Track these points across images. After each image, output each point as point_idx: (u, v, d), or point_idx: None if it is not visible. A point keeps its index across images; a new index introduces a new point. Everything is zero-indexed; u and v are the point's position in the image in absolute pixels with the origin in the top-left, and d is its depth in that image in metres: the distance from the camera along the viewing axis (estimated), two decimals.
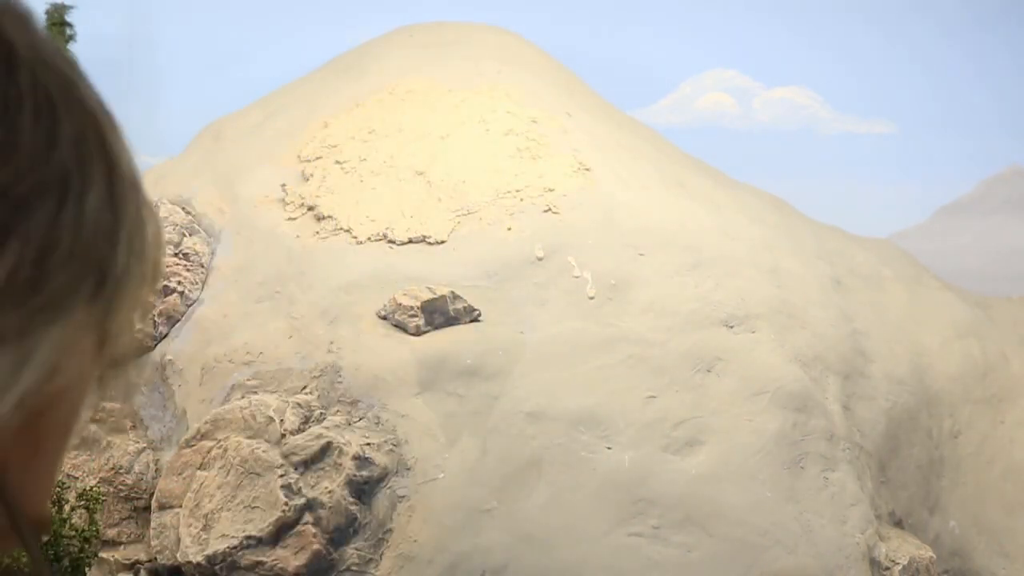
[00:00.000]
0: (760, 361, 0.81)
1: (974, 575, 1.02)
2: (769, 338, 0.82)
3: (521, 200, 1.03)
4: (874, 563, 0.82)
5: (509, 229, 0.99)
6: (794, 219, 1.06)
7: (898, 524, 0.93)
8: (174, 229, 0.85)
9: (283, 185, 1.20)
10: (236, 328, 0.86)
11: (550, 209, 0.95)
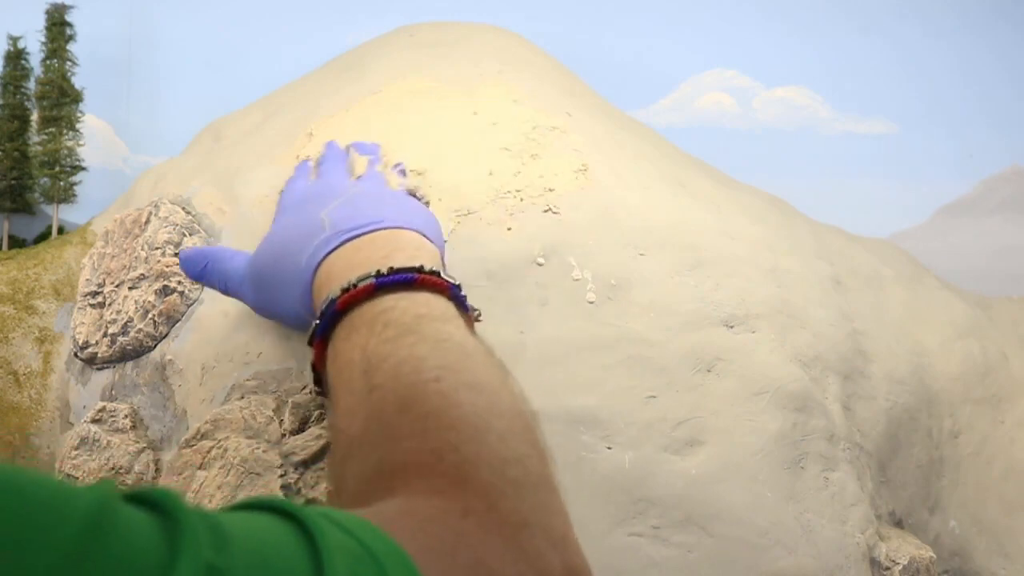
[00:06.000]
0: (760, 361, 0.81)
1: (974, 575, 1.02)
2: (769, 338, 0.82)
3: (521, 200, 1.03)
4: (874, 563, 0.82)
5: (509, 229, 0.97)
6: (794, 219, 1.06)
7: (898, 524, 0.92)
8: (174, 229, 0.83)
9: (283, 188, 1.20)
10: (236, 328, 0.85)
11: (550, 209, 0.94)
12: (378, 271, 0.49)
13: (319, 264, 0.54)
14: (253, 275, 0.60)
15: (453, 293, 0.51)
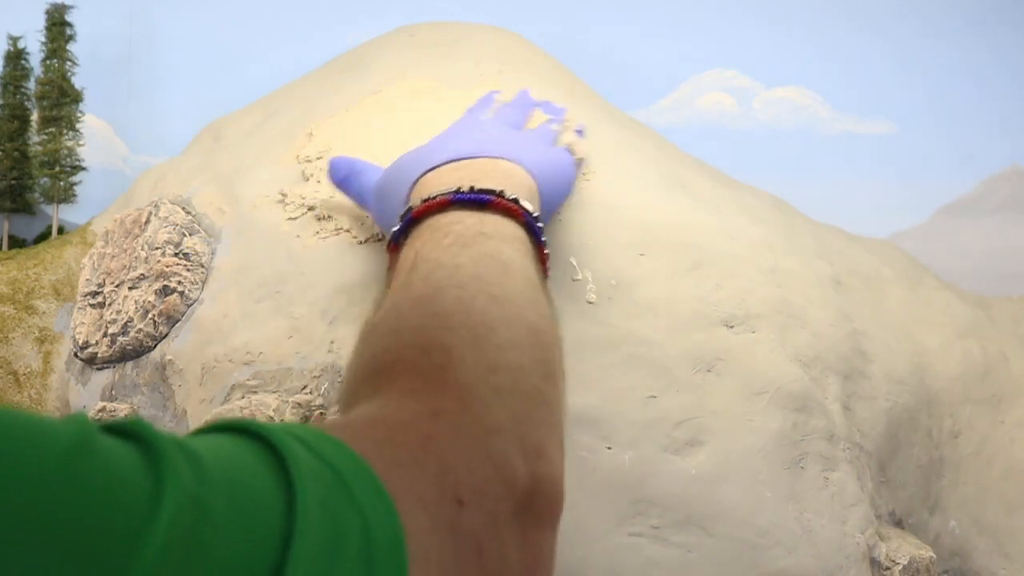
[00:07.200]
0: (760, 361, 0.80)
1: (974, 575, 1.01)
2: (769, 338, 0.81)
3: None
4: (874, 563, 0.81)
5: None
6: (794, 219, 1.05)
7: (898, 524, 0.92)
8: (174, 229, 0.82)
9: (282, 188, 1.19)
10: (236, 328, 0.84)
11: None
12: (458, 188, 0.51)
13: (418, 179, 0.56)
14: (377, 187, 0.63)
15: (527, 220, 0.52)
